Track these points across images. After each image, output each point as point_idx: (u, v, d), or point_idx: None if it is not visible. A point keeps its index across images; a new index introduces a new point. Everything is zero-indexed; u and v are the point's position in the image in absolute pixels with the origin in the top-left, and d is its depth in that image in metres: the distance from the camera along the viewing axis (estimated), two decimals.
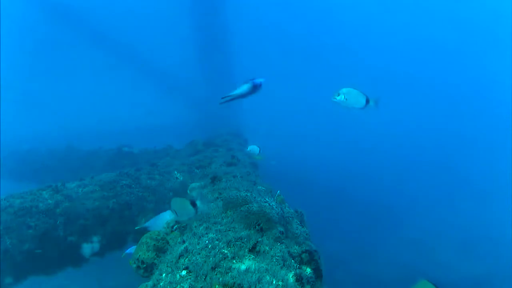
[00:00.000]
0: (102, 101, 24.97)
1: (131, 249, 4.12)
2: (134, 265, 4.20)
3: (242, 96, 3.50)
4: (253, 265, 3.19)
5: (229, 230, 3.84)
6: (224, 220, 4.15)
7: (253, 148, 7.27)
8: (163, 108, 21.63)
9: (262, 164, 9.40)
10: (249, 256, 3.39)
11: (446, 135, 26.54)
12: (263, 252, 3.49)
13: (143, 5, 26.42)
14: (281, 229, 3.97)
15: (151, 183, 7.45)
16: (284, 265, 3.30)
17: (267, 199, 4.58)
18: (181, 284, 3.06)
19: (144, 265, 4.13)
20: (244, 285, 2.88)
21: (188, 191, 5.94)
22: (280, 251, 3.50)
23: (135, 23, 25.41)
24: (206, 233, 3.91)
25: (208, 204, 4.93)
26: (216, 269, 3.13)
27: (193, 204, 3.84)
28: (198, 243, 3.65)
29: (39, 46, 27.17)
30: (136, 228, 4.04)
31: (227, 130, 13.44)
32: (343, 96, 4.29)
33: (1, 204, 5.91)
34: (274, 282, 2.96)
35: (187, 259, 3.42)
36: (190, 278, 3.11)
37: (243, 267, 3.17)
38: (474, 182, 20.27)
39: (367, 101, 4.32)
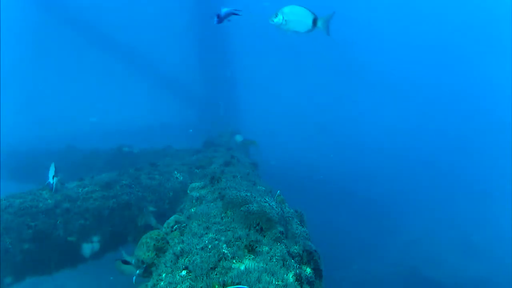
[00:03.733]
0: (102, 101, 24.98)
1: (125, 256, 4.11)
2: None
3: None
4: (253, 265, 3.19)
5: (229, 230, 3.84)
6: (224, 220, 4.15)
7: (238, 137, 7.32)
8: (163, 108, 21.62)
9: (262, 164, 9.40)
10: (249, 256, 3.40)
11: (446, 135, 26.53)
12: (263, 252, 3.50)
13: (143, 4, 26.42)
14: (281, 229, 3.97)
15: (151, 183, 7.44)
16: (284, 265, 3.31)
17: (267, 199, 4.58)
18: (181, 284, 3.06)
19: (144, 265, 4.14)
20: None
21: (188, 191, 5.94)
22: (280, 251, 3.50)
23: (135, 22, 25.40)
24: (206, 233, 3.91)
25: (208, 204, 4.94)
26: (215, 269, 3.13)
27: (125, 262, 3.84)
28: (198, 243, 3.66)
29: (39, 46, 27.18)
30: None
31: (227, 130, 13.44)
32: (281, 17, 3.51)
33: (1, 204, 5.91)
34: (273, 282, 2.96)
35: (187, 259, 3.42)
36: (189, 278, 3.11)
37: (242, 267, 3.17)
38: (474, 182, 20.26)
39: (315, 22, 3.47)
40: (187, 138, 14.83)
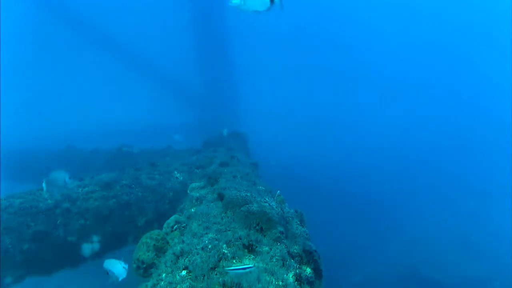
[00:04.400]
0: (102, 101, 24.98)
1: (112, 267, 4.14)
2: (134, 265, 4.20)
3: None
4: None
5: (229, 230, 3.84)
6: (224, 220, 4.15)
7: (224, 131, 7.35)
8: (163, 108, 21.62)
9: (262, 164, 9.39)
10: (249, 256, 3.39)
11: (446, 135, 26.53)
12: (263, 252, 3.49)
13: (143, 4, 26.42)
14: (281, 229, 3.97)
15: (151, 183, 7.43)
16: (284, 265, 3.31)
17: (267, 199, 4.58)
18: (181, 284, 3.05)
19: (144, 265, 4.12)
20: (244, 285, 2.88)
21: (188, 191, 5.93)
22: (280, 251, 3.50)
23: (135, 22, 25.41)
24: (206, 233, 3.91)
25: (208, 204, 4.93)
26: (215, 269, 3.13)
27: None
28: (198, 243, 3.65)
29: (39, 46, 27.19)
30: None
31: (227, 130, 13.42)
32: None
33: (1, 204, 5.91)
34: (273, 282, 2.96)
35: (187, 259, 3.42)
36: (189, 278, 3.10)
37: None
38: (474, 183, 20.25)
39: (272, 0, 3.53)
40: (186, 138, 14.83)
